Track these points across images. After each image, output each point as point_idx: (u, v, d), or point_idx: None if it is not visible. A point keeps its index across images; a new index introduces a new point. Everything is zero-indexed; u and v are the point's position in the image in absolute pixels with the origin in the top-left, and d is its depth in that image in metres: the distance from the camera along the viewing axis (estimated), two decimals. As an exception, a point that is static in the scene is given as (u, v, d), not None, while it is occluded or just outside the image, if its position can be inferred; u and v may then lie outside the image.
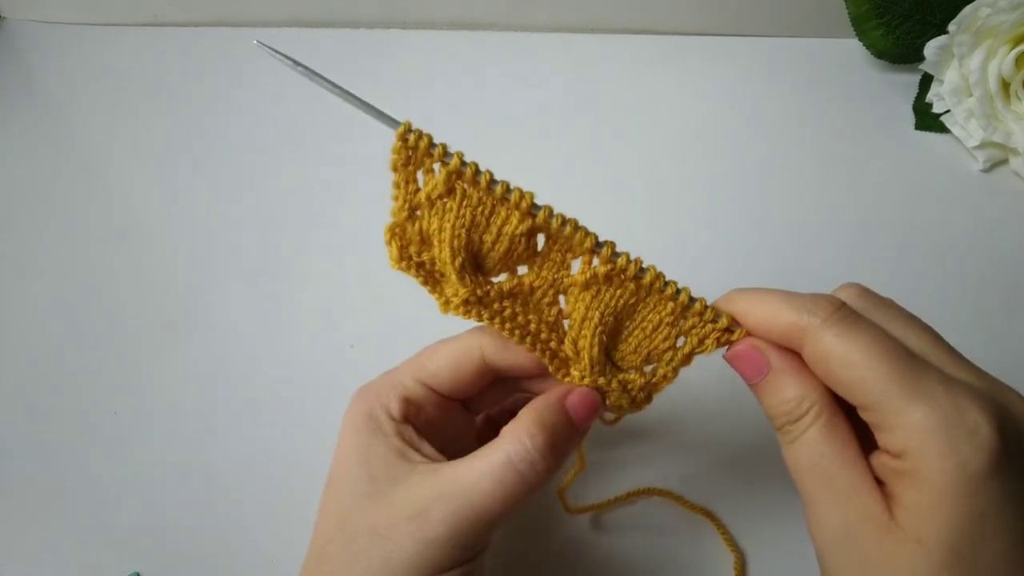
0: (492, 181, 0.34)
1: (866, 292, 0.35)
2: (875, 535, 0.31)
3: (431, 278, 0.37)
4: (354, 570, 0.35)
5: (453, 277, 0.35)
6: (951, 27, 0.66)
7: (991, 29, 0.64)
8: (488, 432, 0.42)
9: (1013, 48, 0.63)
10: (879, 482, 0.32)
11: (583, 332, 0.36)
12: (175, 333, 0.59)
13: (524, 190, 0.34)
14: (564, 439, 0.36)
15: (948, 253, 0.63)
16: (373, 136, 0.79)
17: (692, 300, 0.36)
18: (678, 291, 0.36)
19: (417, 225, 0.36)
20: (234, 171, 0.70)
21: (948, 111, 0.69)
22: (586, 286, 0.36)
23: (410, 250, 0.36)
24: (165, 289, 0.62)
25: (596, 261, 0.36)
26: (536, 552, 0.49)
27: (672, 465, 0.51)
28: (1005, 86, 0.65)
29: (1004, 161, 0.68)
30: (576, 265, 0.36)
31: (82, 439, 0.54)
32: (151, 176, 0.70)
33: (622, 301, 0.36)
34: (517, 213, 0.34)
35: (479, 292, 0.35)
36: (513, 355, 0.38)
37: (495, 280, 0.37)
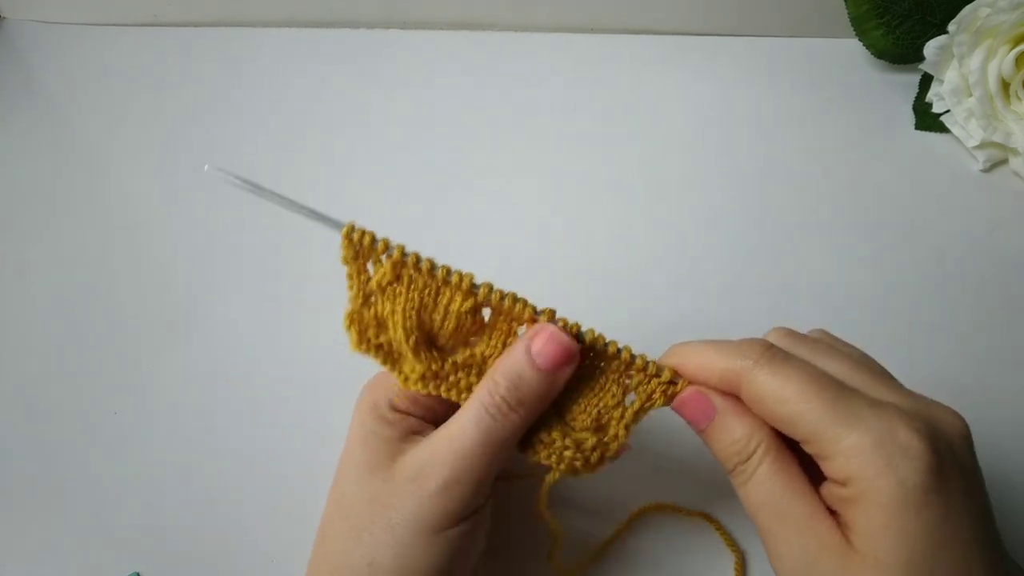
0: (433, 267, 0.37)
1: (791, 332, 0.38)
2: (835, 562, 0.32)
3: (390, 358, 0.39)
4: (359, 542, 0.36)
5: (409, 355, 0.38)
6: (951, 27, 0.66)
7: (991, 29, 0.64)
8: None
9: (1013, 48, 0.63)
10: (831, 512, 0.33)
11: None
12: (175, 333, 0.59)
13: (463, 272, 0.37)
14: (529, 381, 0.36)
15: (948, 253, 0.63)
16: (373, 136, 0.79)
17: (633, 357, 0.38)
18: (619, 350, 0.38)
19: (372, 310, 0.39)
20: (234, 171, 0.70)
21: (948, 111, 0.69)
22: None
23: (368, 334, 0.39)
24: (165, 289, 0.62)
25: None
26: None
27: (661, 479, 0.51)
28: (1005, 86, 0.66)
29: (1004, 161, 0.68)
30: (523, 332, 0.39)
31: (82, 439, 0.54)
32: (151, 176, 0.70)
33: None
34: (460, 293, 0.37)
35: (434, 367, 0.38)
36: None
37: (450, 354, 0.39)
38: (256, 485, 0.52)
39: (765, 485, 0.34)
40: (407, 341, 0.38)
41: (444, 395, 0.39)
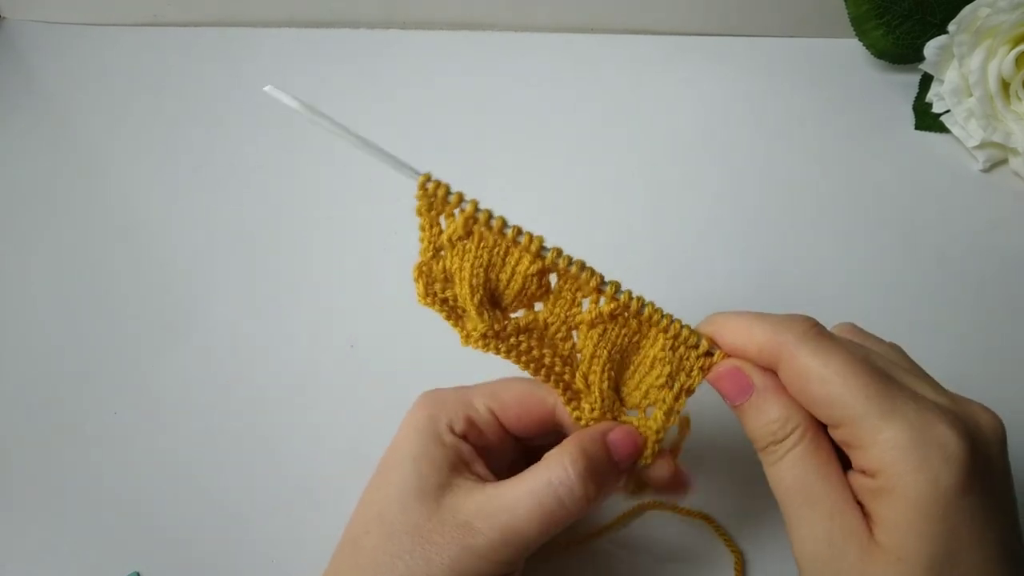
0: (504, 225, 0.36)
1: (820, 324, 0.36)
2: (858, 554, 0.31)
3: (453, 313, 0.39)
4: (396, 568, 0.35)
5: (472, 313, 0.38)
6: (951, 27, 0.66)
7: (991, 29, 0.64)
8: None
9: (1013, 48, 0.63)
10: (857, 503, 0.33)
11: (593, 367, 0.39)
12: (175, 333, 0.59)
13: (534, 234, 0.37)
14: (603, 471, 0.36)
15: (948, 253, 0.63)
16: (372, 136, 0.79)
17: (672, 322, 0.38)
18: (672, 322, 0.38)
19: (441, 264, 0.38)
20: (234, 171, 0.70)
21: (948, 111, 0.69)
22: (592, 324, 0.38)
23: (435, 287, 0.38)
24: (165, 289, 0.62)
25: (602, 300, 0.38)
26: None
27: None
28: (1005, 86, 0.66)
29: (1004, 161, 0.68)
30: (586, 304, 0.38)
31: (82, 439, 0.54)
32: (151, 176, 0.70)
33: (626, 339, 0.38)
34: (528, 255, 0.37)
35: (496, 327, 0.38)
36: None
37: (512, 316, 0.39)
38: (256, 485, 0.52)
39: (797, 468, 0.33)
40: (472, 298, 0.37)
41: (504, 356, 0.38)
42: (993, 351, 0.57)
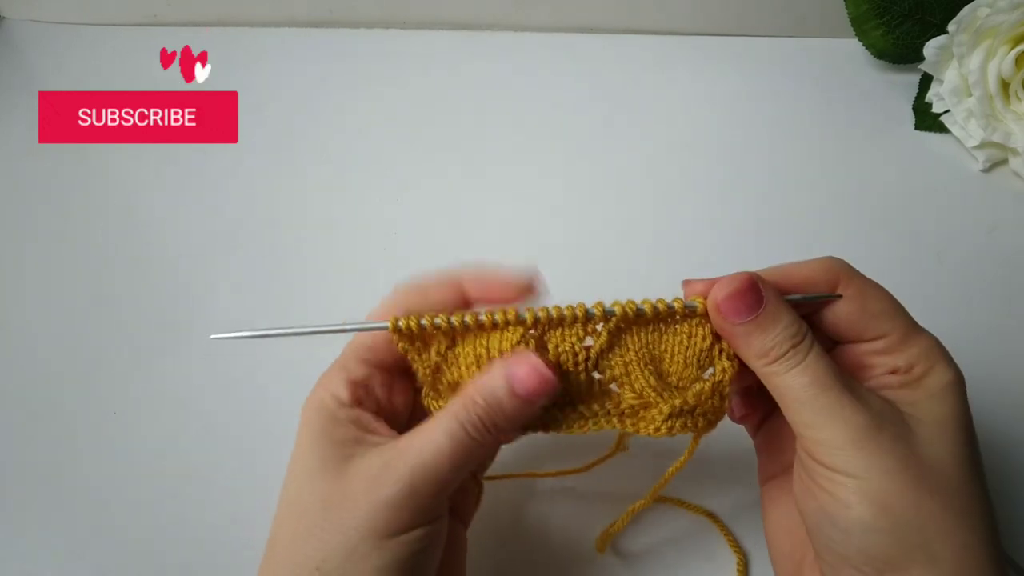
0: (478, 319, 0.38)
1: None
2: (896, 424, 0.34)
3: None
4: (308, 544, 0.35)
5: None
6: (951, 27, 0.66)
7: (990, 29, 0.64)
8: None
9: (1012, 48, 0.63)
10: None
11: (634, 377, 0.39)
12: (175, 333, 0.59)
13: (507, 308, 0.38)
14: (507, 405, 0.36)
15: (948, 253, 0.63)
16: (373, 136, 0.79)
17: (670, 307, 0.38)
18: (685, 305, 0.38)
19: (445, 380, 0.39)
20: (234, 170, 0.70)
21: (948, 111, 0.69)
22: (609, 348, 0.38)
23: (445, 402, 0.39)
24: (165, 289, 0.62)
25: (600, 326, 0.38)
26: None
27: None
28: (1005, 86, 0.66)
29: (1004, 161, 0.68)
30: (589, 340, 0.39)
31: (82, 439, 0.54)
32: (151, 176, 0.70)
33: (643, 336, 0.39)
34: (507, 332, 0.38)
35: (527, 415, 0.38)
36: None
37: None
38: (256, 484, 0.51)
39: (820, 363, 0.35)
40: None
41: (567, 432, 0.39)
42: (993, 351, 0.57)
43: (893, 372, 0.37)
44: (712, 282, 0.38)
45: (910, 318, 0.38)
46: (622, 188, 0.68)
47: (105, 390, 0.56)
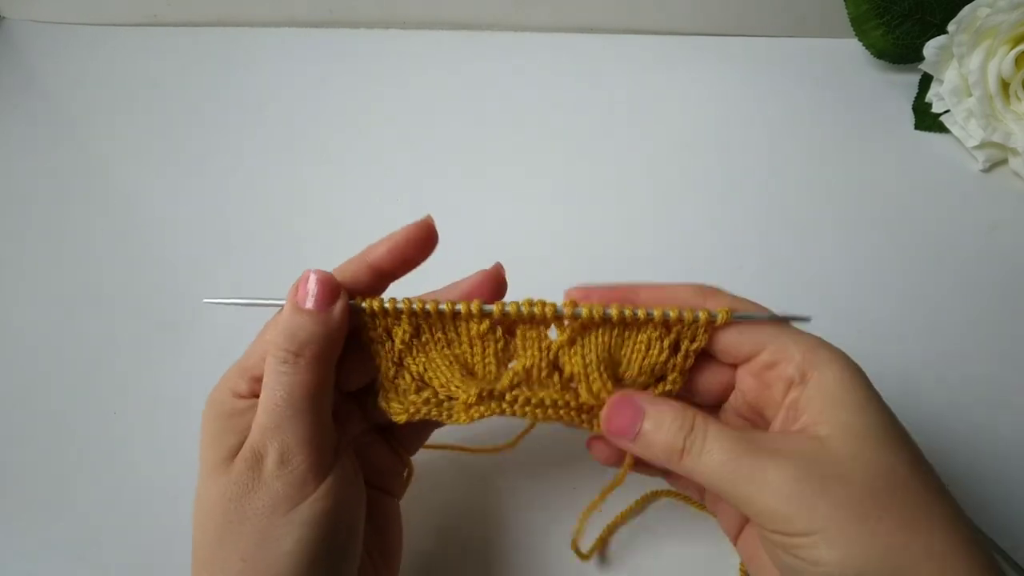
0: (439, 310, 0.39)
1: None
2: (820, 455, 0.34)
3: (438, 408, 0.40)
4: (226, 540, 0.35)
5: (458, 384, 0.39)
6: (951, 27, 0.66)
7: (990, 29, 0.64)
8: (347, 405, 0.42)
9: (1012, 48, 0.63)
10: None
11: (592, 379, 0.39)
12: (175, 333, 0.59)
13: (471, 301, 0.39)
14: (304, 325, 0.38)
15: (948, 253, 0.63)
16: (372, 136, 0.79)
17: (649, 315, 0.39)
18: (649, 314, 0.39)
19: (406, 374, 0.40)
20: (234, 170, 0.70)
21: (948, 111, 0.69)
22: (570, 343, 0.39)
23: (408, 402, 0.40)
24: (165, 289, 0.62)
25: (566, 321, 0.39)
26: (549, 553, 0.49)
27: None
28: (1005, 86, 0.66)
29: (1004, 161, 0.68)
30: (554, 333, 0.40)
31: (82, 439, 0.54)
32: (151, 176, 0.70)
33: (606, 338, 0.39)
34: (473, 320, 0.39)
35: (484, 392, 0.38)
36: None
37: (496, 380, 0.40)
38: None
39: (726, 438, 0.35)
40: (452, 375, 0.39)
41: (508, 413, 0.39)
42: (993, 350, 0.57)
43: (790, 385, 0.36)
44: (589, 290, 0.39)
45: (785, 324, 0.38)
46: (622, 188, 0.68)
47: (105, 390, 0.56)
